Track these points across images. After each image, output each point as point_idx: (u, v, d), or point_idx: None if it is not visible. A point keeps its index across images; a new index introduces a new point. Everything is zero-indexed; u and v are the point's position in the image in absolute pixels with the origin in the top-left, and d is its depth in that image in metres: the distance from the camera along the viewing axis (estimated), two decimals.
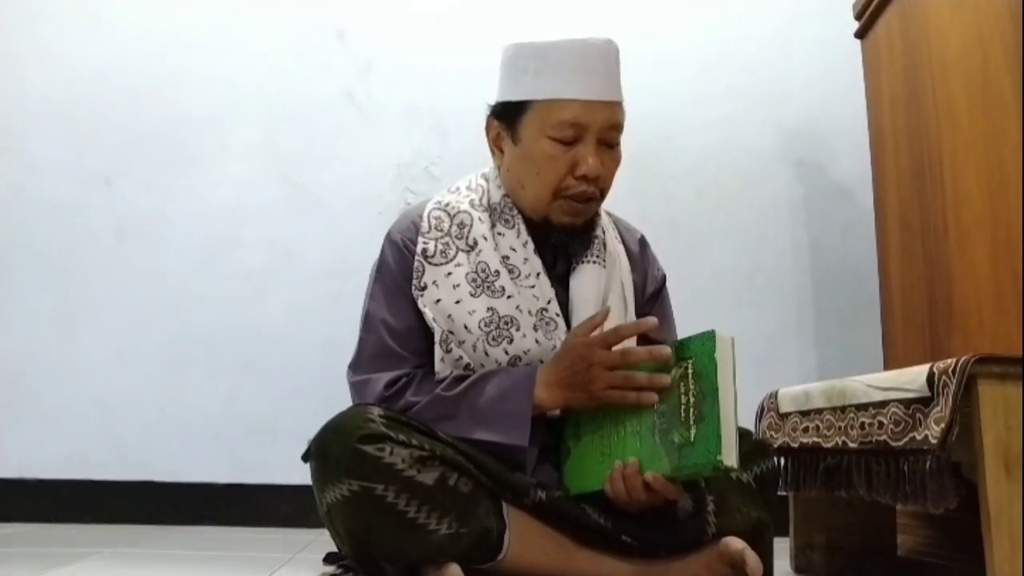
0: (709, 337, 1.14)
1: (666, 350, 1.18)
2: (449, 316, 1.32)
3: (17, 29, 2.54)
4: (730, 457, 1.08)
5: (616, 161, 1.36)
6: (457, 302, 1.32)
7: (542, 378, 1.27)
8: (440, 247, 1.36)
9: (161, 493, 2.34)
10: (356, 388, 1.34)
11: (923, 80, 1.72)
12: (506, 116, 1.36)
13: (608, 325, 1.37)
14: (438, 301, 1.32)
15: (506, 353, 1.31)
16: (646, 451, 1.17)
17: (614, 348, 1.23)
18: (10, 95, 2.51)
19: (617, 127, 1.34)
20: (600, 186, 1.35)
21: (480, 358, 1.31)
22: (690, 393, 1.14)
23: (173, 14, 2.56)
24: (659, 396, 1.18)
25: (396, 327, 1.35)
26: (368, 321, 1.37)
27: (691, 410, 1.13)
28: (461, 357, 1.31)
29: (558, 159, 1.31)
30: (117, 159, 2.50)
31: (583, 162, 1.30)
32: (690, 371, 1.15)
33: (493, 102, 1.39)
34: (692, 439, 1.11)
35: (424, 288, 1.34)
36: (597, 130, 1.31)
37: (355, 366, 1.36)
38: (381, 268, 1.40)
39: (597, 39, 1.32)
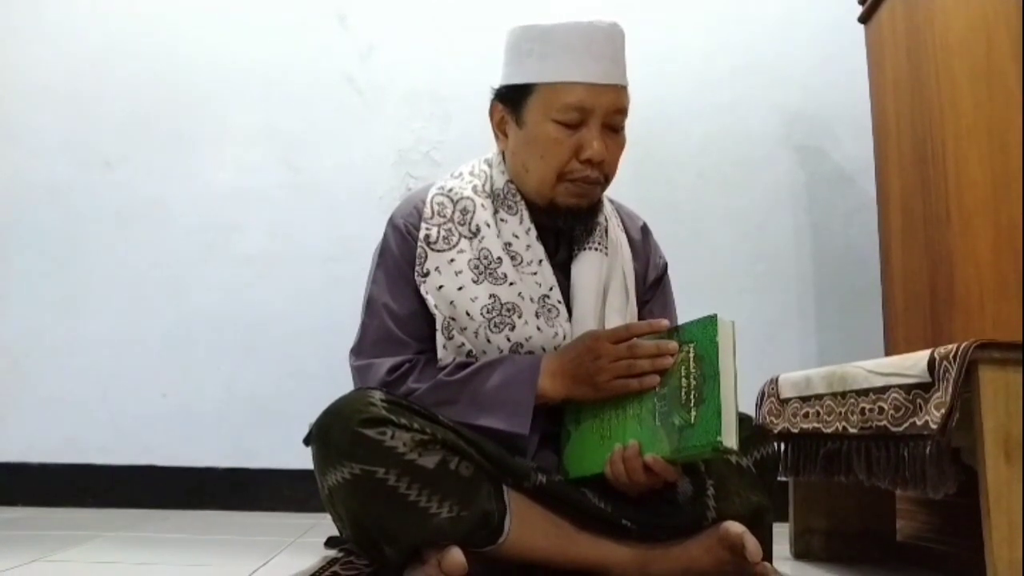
0: (710, 321, 1.15)
1: (664, 321, 1.23)
2: (451, 303, 1.31)
3: (17, 12, 2.53)
4: (730, 438, 1.09)
5: (620, 146, 1.36)
6: (459, 289, 1.32)
7: (547, 368, 1.27)
8: (443, 233, 1.35)
9: (162, 477, 2.35)
10: (358, 373, 1.34)
11: (927, 65, 1.71)
12: (510, 99, 1.35)
13: (609, 311, 1.37)
14: (440, 287, 1.32)
15: (508, 340, 1.31)
16: (646, 434, 1.17)
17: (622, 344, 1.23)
18: (10, 78, 2.51)
19: (622, 111, 1.33)
20: (604, 171, 1.34)
21: (482, 345, 1.31)
22: (691, 376, 1.14)
23: None
24: (660, 380, 1.18)
25: (398, 312, 1.34)
26: (370, 306, 1.37)
27: (692, 393, 1.13)
28: (463, 344, 1.31)
29: (563, 143, 1.31)
30: (117, 143, 2.50)
31: (588, 146, 1.30)
32: (691, 355, 1.15)
33: (497, 85, 1.38)
34: (692, 421, 1.12)
35: (426, 274, 1.33)
36: (602, 114, 1.30)
37: (357, 351, 1.36)
38: (383, 253, 1.40)
39: (602, 22, 1.31)
